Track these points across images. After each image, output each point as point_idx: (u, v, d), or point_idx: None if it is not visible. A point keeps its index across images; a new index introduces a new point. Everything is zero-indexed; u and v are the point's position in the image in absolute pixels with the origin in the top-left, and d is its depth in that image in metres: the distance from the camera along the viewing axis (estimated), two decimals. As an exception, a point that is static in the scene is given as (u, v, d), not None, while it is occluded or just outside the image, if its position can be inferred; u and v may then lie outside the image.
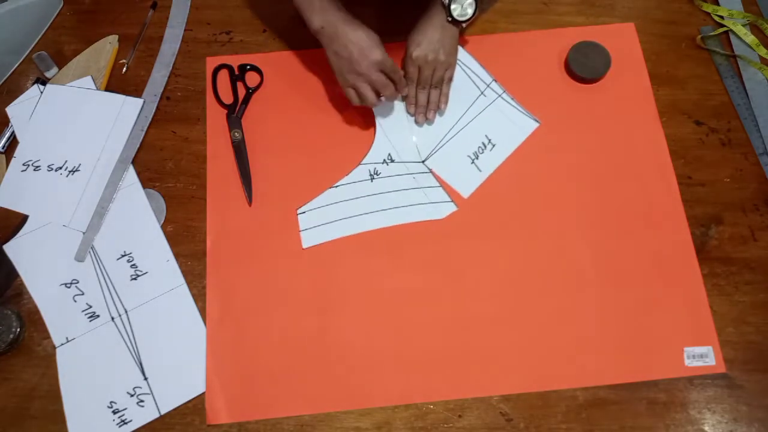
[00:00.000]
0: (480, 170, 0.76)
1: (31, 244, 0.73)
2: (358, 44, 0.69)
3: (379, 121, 0.78)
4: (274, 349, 0.69)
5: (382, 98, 0.73)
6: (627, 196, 0.75)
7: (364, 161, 0.77)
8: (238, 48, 0.84)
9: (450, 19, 0.71)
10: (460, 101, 0.79)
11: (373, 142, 0.77)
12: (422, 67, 0.73)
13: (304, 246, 0.73)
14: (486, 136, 0.78)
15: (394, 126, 0.78)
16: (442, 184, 0.76)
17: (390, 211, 0.75)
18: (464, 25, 0.73)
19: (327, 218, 0.74)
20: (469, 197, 0.75)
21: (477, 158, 0.77)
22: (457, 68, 0.79)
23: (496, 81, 0.80)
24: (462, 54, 0.81)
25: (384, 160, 0.77)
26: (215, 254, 0.73)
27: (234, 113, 0.79)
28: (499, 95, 0.79)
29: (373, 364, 0.68)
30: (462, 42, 0.82)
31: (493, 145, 0.77)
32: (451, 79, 0.77)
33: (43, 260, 0.72)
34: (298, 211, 0.74)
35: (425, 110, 0.77)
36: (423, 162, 0.77)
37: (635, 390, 0.67)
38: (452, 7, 0.70)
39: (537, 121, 0.78)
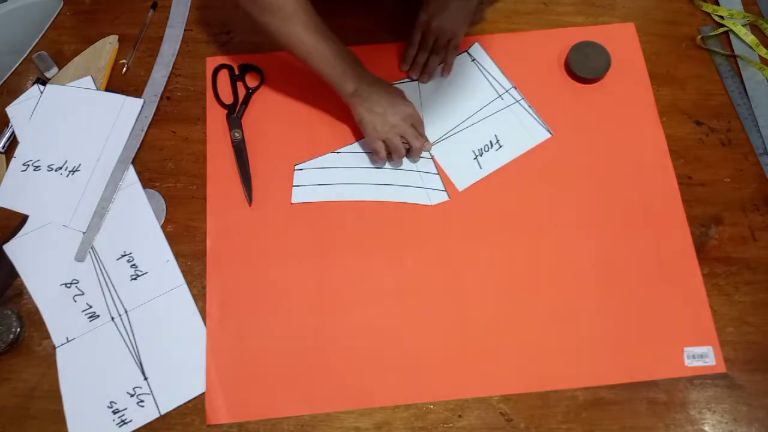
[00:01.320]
0: (481, 167, 0.76)
1: (31, 244, 0.73)
2: (390, 101, 0.72)
3: None
4: (274, 349, 0.69)
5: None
6: (627, 196, 0.75)
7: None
8: (238, 48, 0.84)
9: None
10: (476, 98, 0.80)
11: None
12: (426, 32, 0.77)
13: (293, 201, 0.74)
14: (495, 135, 0.78)
15: None
16: (440, 173, 0.76)
17: (383, 186, 0.75)
18: None
19: (321, 180, 0.75)
20: (465, 192, 0.75)
21: (481, 155, 0.77)
22: (477, 71, 0.80)
23: (516, 88, 0.80)
24: (484, 58, 0.82)
25: None
26: (215, 254, 0.73)
27: (234, 113, 0.79)
28: (518, 101, 0.79)
29: (373, 364, 0.68)
30: (462, 42, 0.82)
31: (500, 146, 0.77)
32: (456, 48, 0.79)
33: (43, 260, 0.72)
34: (296, 167, 0.75)
35: (419, 70, 0.80)
36: None
37: (635, 390, 0.67)
38: None
39: (549, 132, 0.78)
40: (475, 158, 0.77)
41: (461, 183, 0.76)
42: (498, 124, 0.78)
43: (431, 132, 0.78)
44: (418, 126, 0.75)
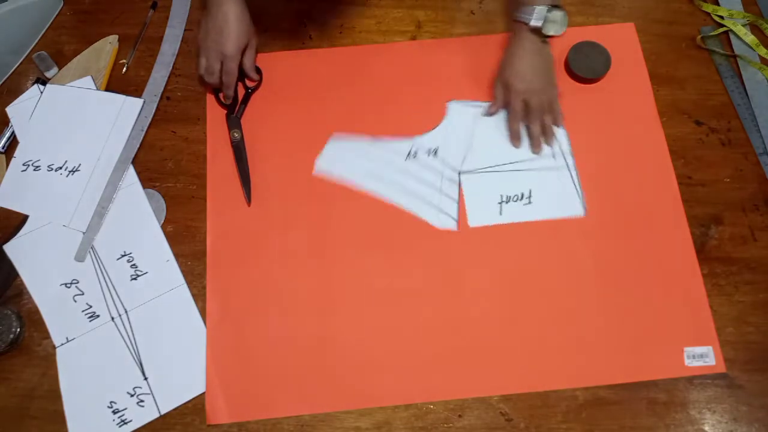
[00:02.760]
0: (501, 214, 0.74)
1: (31, 244, 0.73)
2: (229, 29, 0.72)
3: (450, 115, 0.79)
4: (274, 349, 0.69)
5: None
6: (627, 196, 0.75)
7: (415, 138, 0.78)
8: (238, 48, 0.84)
9: (544, 39, 0.72)
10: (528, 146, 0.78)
11: (434, 128, 0.78)
12: (531, 97, 0.73)
13: (315, 171, 0.76)
14: (530, 190, 0.75)
15: (460, 126, 0.78)
16: (460, 201, 0.75)
17: (402, 191, 0.75)
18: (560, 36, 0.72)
19: (348, 159, 0.76)
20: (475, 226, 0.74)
21: (507, 203, 0.75)
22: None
23: (572, 154, 0.77)
24: None
25: (429, 150, 0.77)
26: (215, 254, 0.73)
27: (233, 113, 0.79)
28: (569, 167, 0.76)
29: (373, 364, 0.68)
30: (461, 41, 0.83)
31: (529, 202, 0.75)
32: (557, 96, 0.76)
33: (43, 260, 0.72)
34: (332, 137, 0.77)
35: (539, 141, 0.76)
36: (459, 172, 0.76)
37: (635, 390, 0.67)
38: (546, 28, 0.70)
39: (584, 211, 0.74)
40: (499, 203, 0.75)
41: (475, 220, 0.74)
42: (538, 180, 0.75)
43: (473, 159, 0.77)
44: (227, 73, 0.75)
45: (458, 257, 0.73)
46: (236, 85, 0.78)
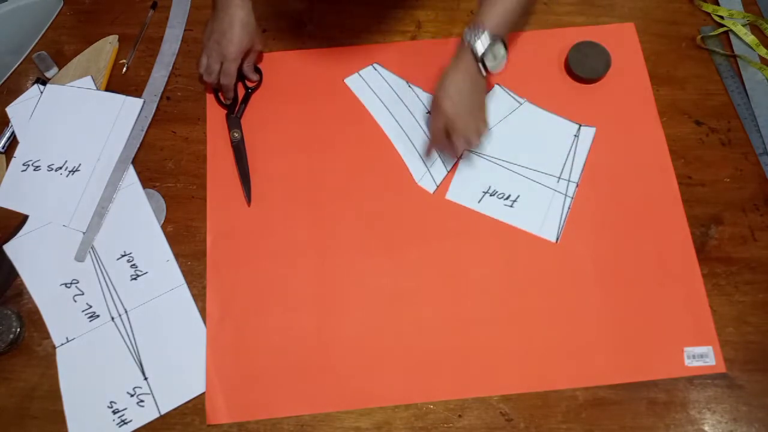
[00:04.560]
0: (479, 202, 0.75)
1: (31, 244, 0.73)
2: (232, 33, 0.73)
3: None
4: (274, 349, 0.69)
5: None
6: (627, 195, 0.75)
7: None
8: (238, 48, 0.84)
9: (484, 73, 0.69)
10: (543, 157, 0.77)
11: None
12: (455, 119, 0.69)
13: (346, 80, 0.80)
14: (517, 195, 0.75)
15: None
16: (450, 173, 0.76)
17: (405, 137, 0.78)
18: (497, 73, 0.70)
19: (379, 86, 0.80)
20: (451, 196, 0.75)
21: (490, 195, 0.75)
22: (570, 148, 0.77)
23: (577, 186, 0.75)
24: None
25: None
26: (215, 254, 0.73)
27: (233, 113, 0.79)
28: (566, 194, 0.75)
29: (373, 364, 0.68)
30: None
31: (511, 205, 0.74)
32: (486, 130, 0.73)
33: (43, 260, 0.72)
34: (372, 65, 0.81)
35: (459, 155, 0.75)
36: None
37: (635, 390, 0.67)
38: (487, 61, 0.67)
39: (557, 238, 0.73)
40: (484, 192, 0.75)
41: (453, 194, 0.75)
42: (529, 191, 0.75)
43: (484, 144, 0.77)
44: (225, 75, 0.76)
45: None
46: (235, 87, 0.78)
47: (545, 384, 0.67)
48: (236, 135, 0.78)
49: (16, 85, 0.82)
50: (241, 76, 0.80)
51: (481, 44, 0.67)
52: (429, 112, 0.77)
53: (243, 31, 0.73)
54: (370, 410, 0.67)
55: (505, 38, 0.68)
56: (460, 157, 0.76)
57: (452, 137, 0.70)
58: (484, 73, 0.69)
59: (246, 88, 0.81)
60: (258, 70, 0.81)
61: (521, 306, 0.70)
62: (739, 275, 0.72)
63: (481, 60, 0.67)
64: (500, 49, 0.68)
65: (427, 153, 0.77)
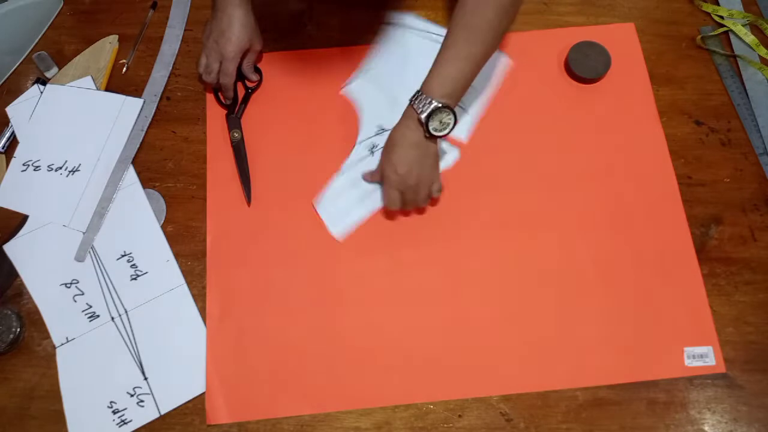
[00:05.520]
0: (466, 111, 0.77)
1: (31, 244, 0.73)
2: (231, 32, 0.73)
3: (358, 97, 0.79)
4: (274, 349, 0.69)
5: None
6: (627, 196, 0.75)
7: (359, 140, 0.77)
8: (238, 48, 0.84)
9: (428, 135, 0.66)
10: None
11: (360, 120, 0.78)
12: (405, 191, 0.68)
13: (338, 238, 0.73)
14: None
15: (375, 97, 0.79)
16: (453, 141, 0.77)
17: None
18: (442, 137, 0.67)
19: (345, 203, 0.74)
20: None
21: (461, 103, 0.75)
22: (414, 34, 0.80)
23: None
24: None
25: (376, 132, 0.77)
26: (215, 254, 0.73)
27: (233, 113, 0.79)
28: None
29: (373, 364, 0.68)
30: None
31: (473, 87, 0.71)
32: (439, 191, 0.71)
33: (43, 260, 0.72)
34: (315, 203, 0.74)
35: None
36: None
37: (635, 390, 0.67)
38: (430, 124, 0.64)
39: (508, 57, 0.78)
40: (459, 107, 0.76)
41: (462, 133, 0.77)
42: None
43: (406, 103, 0.74)
44: (224, 74, 0.76)
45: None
46: (235, 86, 0.78)
47: (545, 384, 0.67)
48: (236, 135, 0.78)
49: (16, 85, 0.82)
50: (240, 76, 0.80)
51: (425, 112, 0.64)
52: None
53: (242, 31, 0.73)
54: (370, 410, 0.67)
55: (452, 105, 0.65)
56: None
57: (405, 198, 0.69)
58: (428, 135, 0.66)
59: (246, 88, 0.81)
60: (258, 70, 0.81)
61: (521, 306, 0.70)
62: (739, 275, 0.72)
63: (425, 127, 0.65)
64: (447, 116, 0.65)
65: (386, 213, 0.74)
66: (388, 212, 0.74)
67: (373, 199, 0.74)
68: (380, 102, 0.79)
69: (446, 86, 0.65)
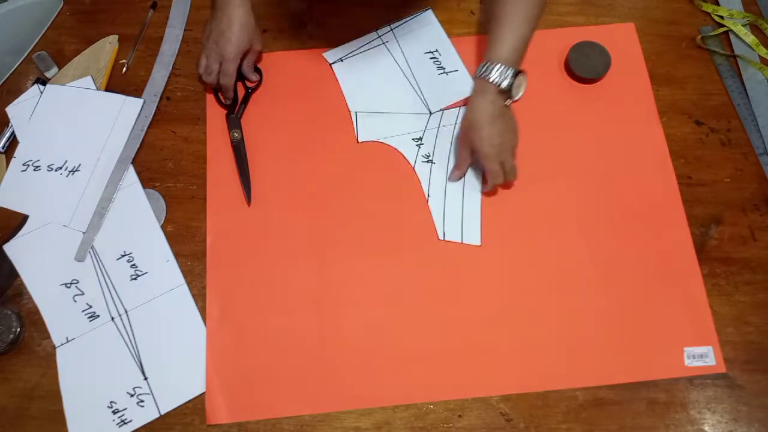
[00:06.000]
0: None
1: (31, 244, 0.73)
2: (230, 33, 0.73)
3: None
4: (274, 349, 0.69)
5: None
6: (627, 196, 0.75)
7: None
8: (238, 48, 0.84)
9: (508, 102, 0.69)
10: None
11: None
12: (504, 161, 0.71)
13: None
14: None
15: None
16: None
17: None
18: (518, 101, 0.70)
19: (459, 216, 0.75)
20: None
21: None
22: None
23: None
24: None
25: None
26: (215, 254, 0.73)
27: (233, 113, 0.79)
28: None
29: (373, 364, 0.68)
30: (461, 41, 0.83)
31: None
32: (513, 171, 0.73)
33: (43, 260, 0.72)
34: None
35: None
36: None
37: (635, 390, 0.67)
38: (514, 92, 0.68)
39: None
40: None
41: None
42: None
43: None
44: (225, 74, 0.76)
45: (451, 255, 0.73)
46: (235, 86, 0.78)
47: (545, 384, 0.67)
48: (236, 135, 0.77)
49: (16, 85, 0.82)
50: (240, 76, 0.80)
51: (507, 81, 0.67)
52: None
53: (242, 31, 0.73)
54: (370, 410, 0.67)
55: (518, 62, 0.69)
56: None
57: (504, 174, 0.72)
58: (509, 103, 0.70)
59: (246, 88, 0.81)
60: (258, 70, 0.81)
61: (521, 306, 0.70)
62: (739, 275, 0.72)
63: (510, 93, 0.68)
64: (524, 79, 0.70)
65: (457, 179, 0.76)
66: (491, 187, 0.74)
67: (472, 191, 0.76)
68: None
69: (516, 51, 0.68)
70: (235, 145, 0.77)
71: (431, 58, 0.82)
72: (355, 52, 0.82)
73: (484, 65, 0.68)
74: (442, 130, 0.78)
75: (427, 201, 0.75)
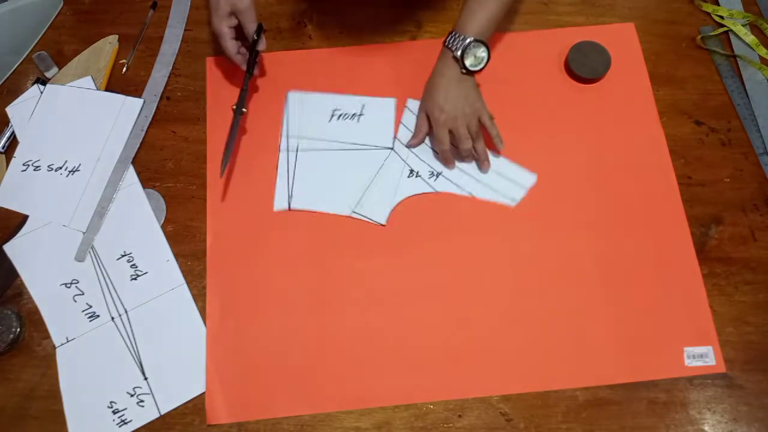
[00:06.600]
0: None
1: (31, 244, 0.73)
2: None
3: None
4: (274, 349, 0.69)
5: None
6: (627, 196, 0.75)
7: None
8: (238, 48, 0.84)
9: (464, 71, 0.71)
10: None
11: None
12: (454, 128, 0.72)
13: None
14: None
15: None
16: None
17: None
18: (479, 72, 0.71)
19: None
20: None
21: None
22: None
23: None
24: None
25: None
26: (215, 254, 0.73)
27: (246, 87, 0.73)
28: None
29: (373, 364, 0.68)
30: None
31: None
32: (491, 119, 0.74)
33: (43, 260, 0.72)
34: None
35: (481, 162, 0.75)
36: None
37: (635, 390, 0.67)
38: (466, 59, 0.70)
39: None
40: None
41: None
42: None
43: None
44: (221, 37, 0.71)
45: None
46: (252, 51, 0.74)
47: (545, 384, 0.67)
48: (243, 110, 0.73)
49: (16, 85, 0.82)
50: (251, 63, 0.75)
51: (459, 49, 0.69)
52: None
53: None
54: (370, 410, 0.67)
55: (486, 41, 0.70)
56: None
57: (457, 143, 0.73)
58: (464, 70, 0.71)
59: (252, 54, 0.74)
60: (260, 28, 0.75)
61: (521, 306, 0.70)
62: (739, 275, 0.72)
63: (461, 61, 0.70)
64: (481, 51, 0.70)
65: (444, 158, 0.75)
66: (443, 158, 0.75)
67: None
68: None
69: (478, 25, 0.70)
70: (237, 114, 0.72)
71: None
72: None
73: (448, 34, 0.71)
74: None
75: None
